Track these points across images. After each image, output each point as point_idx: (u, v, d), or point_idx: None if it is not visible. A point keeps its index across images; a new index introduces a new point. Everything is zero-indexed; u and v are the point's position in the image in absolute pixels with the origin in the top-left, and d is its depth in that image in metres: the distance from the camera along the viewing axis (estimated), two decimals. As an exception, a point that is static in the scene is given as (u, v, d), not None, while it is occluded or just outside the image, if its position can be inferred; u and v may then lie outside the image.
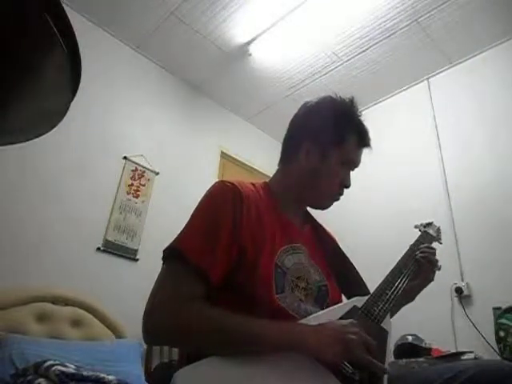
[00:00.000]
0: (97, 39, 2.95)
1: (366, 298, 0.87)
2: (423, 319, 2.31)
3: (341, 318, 0.79)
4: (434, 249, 1.05)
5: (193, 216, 0.86)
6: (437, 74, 3.21)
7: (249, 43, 3.06)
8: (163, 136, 3.20)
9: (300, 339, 0.70)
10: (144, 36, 3.08)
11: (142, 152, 2.96)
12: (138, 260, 2.70)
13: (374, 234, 3.05)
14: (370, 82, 3.34)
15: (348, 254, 1.06)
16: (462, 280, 2.50)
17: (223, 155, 3.62)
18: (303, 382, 0.68)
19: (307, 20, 2.83)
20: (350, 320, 0.75)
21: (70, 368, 1.53)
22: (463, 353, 1.99)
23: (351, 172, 1.01)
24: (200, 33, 3.00)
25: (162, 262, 0.81)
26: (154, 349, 2.32)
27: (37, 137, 0.56)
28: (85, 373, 1.53)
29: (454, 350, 2.12)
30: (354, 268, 1.03)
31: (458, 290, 2.46)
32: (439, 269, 1.02)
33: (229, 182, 0.89)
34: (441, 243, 1.16)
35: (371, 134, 1.01)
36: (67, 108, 0.50)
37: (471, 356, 1.95)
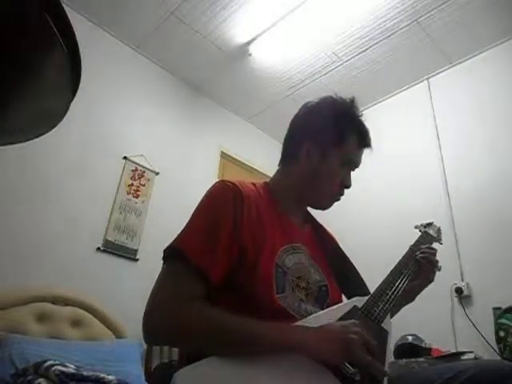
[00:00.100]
0: (97, 39, 2.95)
1: (366, 298, 0.87)
2: (423, 319, 2.31)
3: (341, 318, 0.79)
4: (434, 249, 1.05)
5: (193, 216, 0.86)
6: (437, 73, 3.21)
7: (249, 43, 3.06)
8: (163, 136, 3.20)
9: (300, 339, 0.70)
10: (144, 36, 3.08)
11: (142, 152, 2.96)
12: (138, 260, 2.70)
13: (374, 234, 3.05)
14: (370, 82, 3.34)
15: (348, 254, 1.06)
16: (462, 280, 2.50)
17: (223, 155, 3.62)
18: (303, 382, 0.68)
19: (307, 20, 2.83)
20: (351, 320, 0.75)
21: (70, 368, 1.53)
22: (463, 353, 1.99)
23: (352, 172, 1.01)
24: (200, 33, 3.00)
25: (162, 261, 0.81)
26: (154, 349, 2.32)
27: (37, 137, 0.55)
28: (85, 373, 1.53)
29: (453, 350, 2.12)
30: (355, 268, 1.03)
31: (458, 290, 2.46)
32: (439, 269, 1.02)
33: (229, 182, 0.89)
34: (441, 243, 1.16)
35: (371, 134, 1.01)
36: (67, 108, 0.50)
37: (471, 356, 1.95)
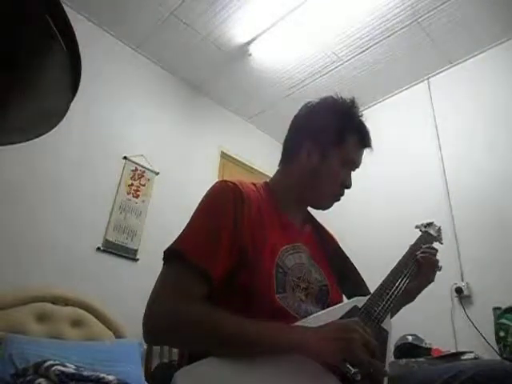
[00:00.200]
0: (97, 39, 2.95)
1: (367, 298, 0.87)
2: (423, 319, 2.31)
3: (341, 318, 0.79)
4: (435, 249, 1.05)
5: (194, 216, 0.86)
6: (437, 73, 3.21)
7: (249, 43, 3.06)
8: (163, 136, 3.20)
9: (300, 340, 0.70)
10: (144, 36, 3.08)
11: (142, 152, 2.96)
12: (138, 260, 2.69)
13: (375, 234, 3.05)
14: (370, 82, 3.34)
15: (348, 254, 1.06)
16: (462, 280, 2.50)
17: (223, 155, 3.62)
18: (303, 382, 0.68)
19: (307, 20, 2.83)
20: (353, 319, 0.75)
21: (70, 368, 1.53)
22: (463, 353, 2.00)
23: (352, 172, 1.01)
24: (200, 33, 3.00)
25: (162, 262, 0.81)
26: (154, 349, 2.31)
27: (37, 137, 0.56)
28: (85, 373, 1.53)
29: (453, 350, 2.12)
30: (355, 268, 1.03)
31: (458, 290, 2.47)
32: (440, 269, 1.02)
33: (230, 182, 0.89)
34: (442, 243, 1.16)
35: (371, 134, 1.01)
36: (67, 108, 0.50)
37: (471, 356, 1.95)
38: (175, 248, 0.80)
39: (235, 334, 0.70)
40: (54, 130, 0.54)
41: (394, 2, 2.66)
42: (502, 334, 1.99)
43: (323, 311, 0.83)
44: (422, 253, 1.02)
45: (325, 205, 1.00)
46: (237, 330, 0.70)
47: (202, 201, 0.88)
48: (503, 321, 2.02)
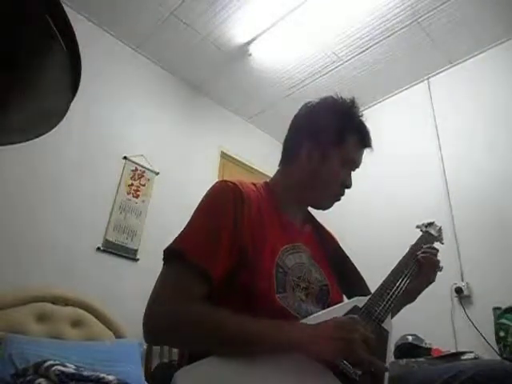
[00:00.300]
0: (97, 39, 2.95)
1: (367, 298, 0.87)
2: (423, 319, 2.31)
3: (341, 318, 0.79)
4: (435, 249, 1.05)
5: (194, 216, 0.86)
6: (437, 73, 3.21)
7: (249, 43, 3.06)
8: (163, 136, 3.20)
9: (299, 338, 0.70)
10: (144, 36, 3.08)
11: (142, 152, 2.96)
12: (138, 260, 2.69)
13: (375, 233, 3.05)
14: (370, 82, 3.34)
15: (348, 254, 1.06)
16: (462, 280, 2.50)
17: (223, 155, 3.62)
18: (303, 381, 0.68)
19: (307, 20, 2.83)
20: (352, 316, 0.75)
21: (70, 368, 1.53)
22: (463, 353, 1.99)
23: (352, 172, 1.01)
24: (200, 33, 3.00)
25: (162, 262, 0.81)
26: (154, 349, 2.31)
27: (37, 137, 0.56)
28: (85, 373, 1.53)
29: (453, 350, 2.12)
30: (355, 268, 1.03)
31: (458, 290, 2.46)
32: (441, 270, 1.02)
33: (230, 182, 0.89)
34: (442, 243, 1.16)
35: (371, 134, 1.01)
36: (67, 108, 0.50)
37: (471, 356, 1.95)
38: (175, 247, 0.80)
39: (235, 334, 0.70)
40: (54, 130, 0.54)
41: (394, 1, 2.66)
42: (502, 334, 1.99)
43: (323, 311, 0.83)
44: (423, 253, 1.02)
45: (325, 205, 1.00)
46: (237, 329, 0.70)
47: (202, 201, 0.88)
48: (503, 321, 2.02)
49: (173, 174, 3.13)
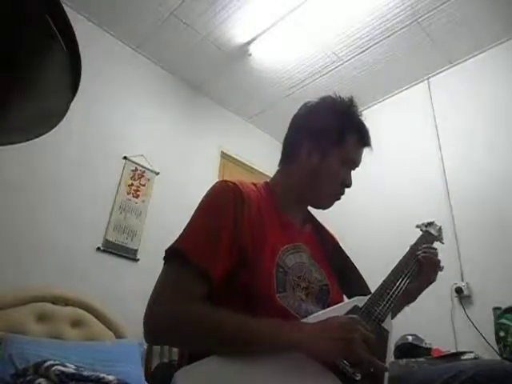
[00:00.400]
0: (97, 39, 2.95)
1: (367, 297, 0.87)
2: (423, 319, 2.31)
3: (341, 318, 0.79)
4: (435, 249, 1.05)
5: (194, 216, 0.86)
6: (437, 73, 3.21)
7: (249, 43, 3.06)
8: (163, 136, 3.20)
9: (299, 338, 0.70)
10: (144, 36, 3.08)
11: (142, 152, 2.96)
12: (138, 260, 2.69)
13: (375, 233, 3.05)
14: (370, 82, 3.34)
15: (348, 254, 1.06)
16: (462, 280, 2.50)
17: (223, 155, 3.62)
18: (303, 381, 0.68)
19: (307, 20, 2.83)
20: (352, 316, 0.75)
21: (70, 368, 1.53)
22: (463, 353, 1.99)
23: (352, 172, 1.01)
24: (200, 33, 3.00)
25: (162, 261, 0.81)
26: (154, 349, 2.31)
27: (37, 137, 0.56)
28: (85, 373, 1.53)
29: (453, 350, 2.12)
30: (355, 268, 1.03)
31: (458, 290, 2.46)
32: (442, 270, 1.02)
33: (230, 182, 0.89)
34: (443, 243, 1.16)
35: (371, 134, 1.01)
36: (67, 108, 0.50)
37: (471, 356, 1.95)
38: (176, 247, 0.80)
39: (235, 333, 0.70)
40: (54, 130, 0.54)
41: (394, 1, 2.66)
42: (502, 334, 1.99)
43: (323, 311, 0.83)
44: (424, 253, 1.02)
45: (325, 204, 1.00)
46: (237, 329, 0.70)
47: (203, 201, 0.88)
48: (503, 321, 2.02)
49: (173, 173, 3.13)
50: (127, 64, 3.13)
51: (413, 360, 2.06)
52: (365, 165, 1.03)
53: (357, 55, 3.11)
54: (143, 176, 2.93)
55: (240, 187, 0.88)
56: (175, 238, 0.82)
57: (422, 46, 2.99)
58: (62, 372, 1.47)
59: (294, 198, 1.00)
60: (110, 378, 1.57)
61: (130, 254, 2.68)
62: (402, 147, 3.20)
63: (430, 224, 1.18)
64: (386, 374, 0.72)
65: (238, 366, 0.67)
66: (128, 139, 2.94)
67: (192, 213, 0.87)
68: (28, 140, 0.56)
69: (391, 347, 0.84)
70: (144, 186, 2.91)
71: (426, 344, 2.20)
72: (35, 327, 1.98)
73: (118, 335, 2.27)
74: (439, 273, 1.03)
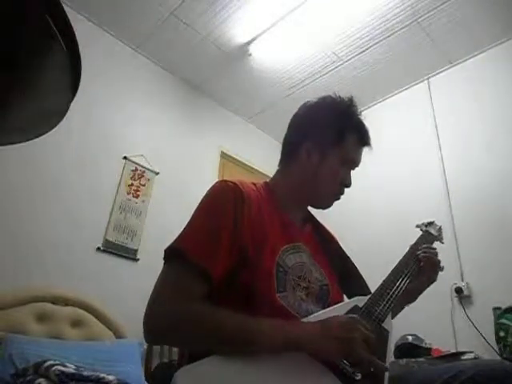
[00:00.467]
0: (97, 39, 2.95)
1: (367, 297, 0.87)
2: (423, 319, 2.31)
3: (341, 318, 0.79)
4: (435, 249, 1.05)
5: (194, 216, 0.86)
6: (437, 73, 3.21)
7: (249, 43, 3.06)
8: (163, 136, 3.20)
9: (300, 338, 0.70)
10: (144, 36, 3.08)
11: (142, 152, 2.96)
12: (138, 260, 2.69)
13: (375, 233, 3.05)
14: (370, 82, 3.34)
15: (348, 254, 1.06)
16: (462, 280, 2.50)
17: (223, 155, 3.62)
18: (303, 381, 0.68)
19: (307, 20, 2.83)
20: (352, 316, 0.75)
21: (70, 368, 1.53)
22: (463, 353, 1.99)
23: (351, 171, 1.01)
24: (200, 33, 3.00)
25: (162, 261, 0.81)
26: (154, 349, 2.32)
27: (37, 137, 0.56)
28: (85, 373, 1.53)
29: (453, 350, 2.12)
30: (356, 268, 1.03)
31: (458, 290, 2.46)
32: (442, 270, 1.02)
33: (230, 182, 0.89)
34: (443, 243, 1.16)
35: (371, 134, 1.01)
36: (67, 108, 0.50)
37: (471, 356, 1.95)
38: (176, 247, 0.80)
39: (235, 333, 0.70)
40: (53, 130, 0.54)
41: (394, 1, 2.67)
42: (502, 334, 1.99)
43: (324, 310, 0.83)
44: (424, 253, 1.02)
45: (325, 204, 1.01)
46: (237, 328, 0.70)
47: (203, 200, 0.88)
48: (503, 321, 2.02)
49: (173, 173, 3.13)
50: (127, 64, 3.13)
51: (413, 360, 2.06)
52: (364, 164, 1.03)
53: (357, 55, 3.11)
54: (143, 176, 2.93)
55: (240, 187, 0.88)
56: (175, 237, 0.82)
57: (422, 46, 2.99)
58: (62, 372, 1.47)
59: (294, 198, 1.00)
60: (110, 377, 1.57)
61: (129, 254, 2.68)
62: (401, 147, 3.20)
63: (430, 224, 1.18)
64: (386, 374, 0.72)
65: (238, 365, 0.67)
66: (128, 139, 2.94)
67: (192, 213, 0.87)
68: (28, 140, 0.56)
69: (391, 347, 0.84)
70: (144, 186, 2.91)
71: (425, 344, 2.20)
72: (35, 327, 1.98)
73: (118, 335, 2.27)
74: (439, 273, 1.03)
